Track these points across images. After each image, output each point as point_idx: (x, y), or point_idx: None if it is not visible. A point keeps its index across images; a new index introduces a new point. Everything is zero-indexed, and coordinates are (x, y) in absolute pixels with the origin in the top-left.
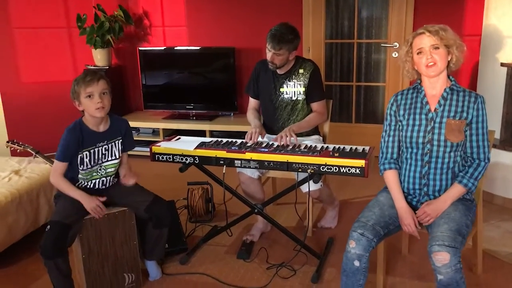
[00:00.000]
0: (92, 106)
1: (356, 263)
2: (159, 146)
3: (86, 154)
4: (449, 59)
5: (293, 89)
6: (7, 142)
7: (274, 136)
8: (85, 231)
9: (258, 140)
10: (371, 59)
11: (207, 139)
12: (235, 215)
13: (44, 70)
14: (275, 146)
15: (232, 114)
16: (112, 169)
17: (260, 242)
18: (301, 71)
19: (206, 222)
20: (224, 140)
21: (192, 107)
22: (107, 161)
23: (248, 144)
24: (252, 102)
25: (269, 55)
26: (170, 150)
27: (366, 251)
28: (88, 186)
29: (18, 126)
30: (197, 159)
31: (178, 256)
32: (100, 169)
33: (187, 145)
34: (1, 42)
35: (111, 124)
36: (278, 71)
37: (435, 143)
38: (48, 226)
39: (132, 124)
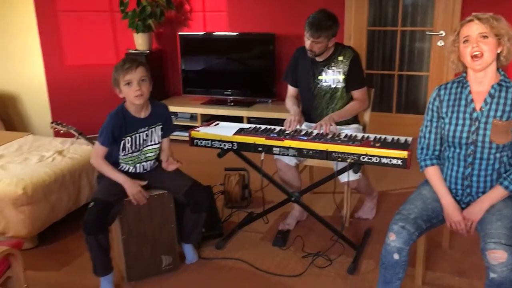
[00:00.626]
0: (131, 93)
1: (396, 256)
2: (198, 131)
3: (128, 139)
4: (499, 51)
5: (332, 77)
6: (51, 123)
7: (312, 124)
8: (125, 212)
9: (296, 127)
10: (415, 47)
11: (246, 125)
12: (271, 202)
13: (87, 54)
14: (314, 134)
15: (270, 101)
16: (152, 154)
17: (296, 231)
18: (340, 58)
19: (242, 208)
20: (263, 126)
21: (230, 93)
22: (147, 146)
23: (287, 132)
24: (291, 90)
25: (307, 43)
26: (208, 136)
27: (406, 245)
28: (129, 170)
29: (61, 107)
30: (235, 145)
31: (214, 241)
32: (140, 154)
33: (225, 130)
34: (46, 25)
35: (152, 110)
36: (317, 59)
37: (479, 144)
38: (91, 203)
39: (171, 108)
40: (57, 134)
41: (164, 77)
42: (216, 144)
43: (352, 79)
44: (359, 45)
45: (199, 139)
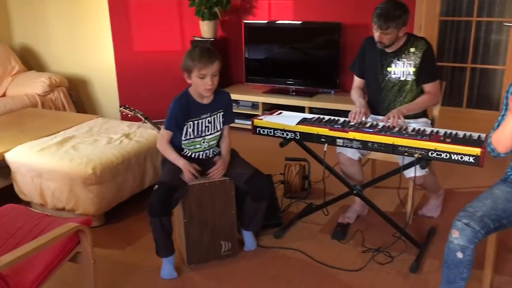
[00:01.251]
0: (202, 86)
1: (459, 255)
2: (261, 119)
3: (190, 124)
4: None
5: (402, 69)
6: (120, 107)
7: (379, 117)
8: (188, 197)
9: (362, 120)
10: (491, 39)
11: (309, 115)
12: (331, 194)
13: (154, 40)
14: (380, 126)
15: (332, 92)
16: (214, 142)
17: (356, 225)
18: (412, 50)
19: (301, 199)
20: (326, 117)
21: (292, 82)
22: (210, 134)
23: (352, 123)
24: (357, 81)
25: (376, 35)
26: (271, 124)
27: (470, 243)
28: (192, 156)
29: (128, 91)
30: (298, 135)
31: (273, 230)
32: (203, 142)
33: (288, 120)
34: (117, 10)
35: (214, 96)
36: (387, 50)
37: None
38: (156, 186)
39: (233, 96)
40: (124, 117)
41: (228, 65)
42: (279, 133)
43: (425, 72)
44: (430, 36)
45: (262, 127)
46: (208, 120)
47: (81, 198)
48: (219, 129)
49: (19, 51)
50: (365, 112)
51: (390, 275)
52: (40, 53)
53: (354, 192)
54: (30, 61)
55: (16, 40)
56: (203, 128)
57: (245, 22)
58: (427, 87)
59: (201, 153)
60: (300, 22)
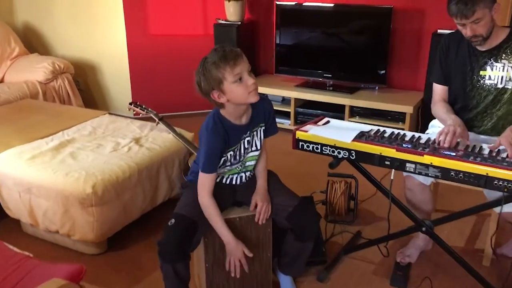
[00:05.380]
0: (244, 91)
1: None
2: (306, 131)
3: (231, 154)
4: None
5: (501, 73)
6: (130, 104)
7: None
8: (211, 235)
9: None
10: None
11: (366, 127)
12: (382, 218)
13: (173, 23)
14: (462, 149)
15: (376, 88)
16: (252, 162)
17: (420, 266)
18: None
19: (346, 223)
20: (389, 131)
21: (330, 75)
22: (248, 153)
23: (438, 146)
24: (439, 90)
25: (464, 30)
26: (319, 139)
27: None
28: (224, 182)
29: (141, 79)
30: (353, 154)
31: (315, 269)
32: (240, 165)
33: (341, 133)
34: None
35: (252, 109)
36: (480, 47)
37: None
38: (172, 220)
39: (260, 90)
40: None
41: (256, 53)
42: (328, 150)
43: None
44: None
45: (306, 141)
46: (248, 140)
47: (78, 222)
48: (259, 147)
49: (21, 31)
50: (462, 132)
51: None
52: (44, 34)
53: (423, 229)
54: (32, 42)
55: (19, 17)
56: (242, 151)
57: (277, 4)
58: None
59: (235, 176)
60: (344, 4)
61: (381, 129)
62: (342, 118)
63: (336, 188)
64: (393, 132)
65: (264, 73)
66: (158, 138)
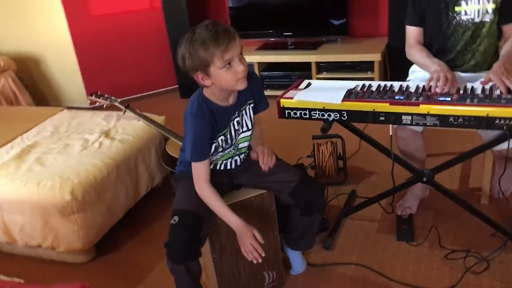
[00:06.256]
0: (232, 78)
1: None
2: (291, 98)
3: (221, 138)
4: None
5: (476, 7)
6: (90, 95)
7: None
8: (214, 225)
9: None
10: None
11: (351, 84)
12: (374, 173)
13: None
14: (454, 92)
15: (339, 40)
16: (246, 144)
17: (422, 216)
18: None
19: (339, 184)
20: (374, 84)
21: (290, 33)
22: (239, 134)
23: (431, 93)
24: (414, 33)
25: None
26: (307, 104)
27: None
28: (218, 168)
29: (91, 66)
30: (344, 114)
31: (319, 237)
32: (234, 149)
33: (328, 95)
34: None
35: None
36: None
37: None
38: (175, 218)
39: None
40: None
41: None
42: (317, 114)
43: (511, 8)
44: None
45: (293, 109)
46: (238, 121)
47: (61, 232)
48: (250, 126)
49: None
50: (452, 77)
51: None
52: None
53: (424, 179)
54: None
55: None
56: (233, 133)
57: None
58: (510, 28)
59: (229, 161)
60: None
61: (366, 83)
62: (309, 76)
63: (323, 150)
64: (379, 85)
65: None
66: (129, 128)
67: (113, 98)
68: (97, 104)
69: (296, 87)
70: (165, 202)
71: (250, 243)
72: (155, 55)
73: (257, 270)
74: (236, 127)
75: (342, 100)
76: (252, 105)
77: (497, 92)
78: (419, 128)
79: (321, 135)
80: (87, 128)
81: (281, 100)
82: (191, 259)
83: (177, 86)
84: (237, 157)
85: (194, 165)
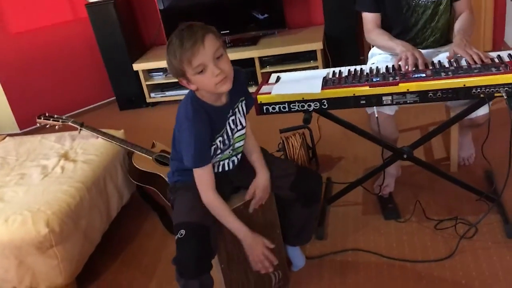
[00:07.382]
0: (210, 82)
1: None
2: (269, 93)
3: (220, 140)
4: None
5: None
6: (38, 117)
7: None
8: (218, 233)
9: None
10: None
11: (322, 72)
12: (342, 158)
13: (37, 13)
14: (426, 68)
15: (276, 33)
16: (241, 143)
17: (399, 192)
18: None
19: None
20: (344, 70)
21: (227, 31)
22: (235, 133)
23: (405, 71)
24: (372, 18)
25: None
26: (285, 97)
27: None
28: (214, 171)
29: (19, 90)
30: (325, 103)
31: None
32: (231, 149)
33: (305, 85)
34: None
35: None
36: None
37: None
38: (182, 232)
39: (154, 65)
40: (41, 129)
41: (138, 28)
42: (296, 106)
43: None
44: None
45: (271, 104)
46: (232, 120)
47: (40, 270)
48: (244, 124)
49: None
50: (420, 54)
51: (490, 251)
52: None
53: (405, 156)
54: None
55: None
56: (230, 133)
57: None
58: (463, 3)
59: (226, 161)
60: None
61: (336, 70)
62: (254, 72)
63: (293, 143)
64: (349, 70)
65: (153, 45)
66: (89, 147)
67: (64, 117)
68: (47, 126)
69: (267, 82)
70: (137, 218)
71: (262, 252)
72: (88, 67)
73: (264, 273)
74: (232, 126)
75: (322, 89)
76: (244, 102)
77: (463, 62)
78: (392, 112)
79: (288, 128)
80: (40, 153)
81: (258, 96)
82: (205, 273)
83: (114, 98)
84: (234, 158)
85: (198, 172)
